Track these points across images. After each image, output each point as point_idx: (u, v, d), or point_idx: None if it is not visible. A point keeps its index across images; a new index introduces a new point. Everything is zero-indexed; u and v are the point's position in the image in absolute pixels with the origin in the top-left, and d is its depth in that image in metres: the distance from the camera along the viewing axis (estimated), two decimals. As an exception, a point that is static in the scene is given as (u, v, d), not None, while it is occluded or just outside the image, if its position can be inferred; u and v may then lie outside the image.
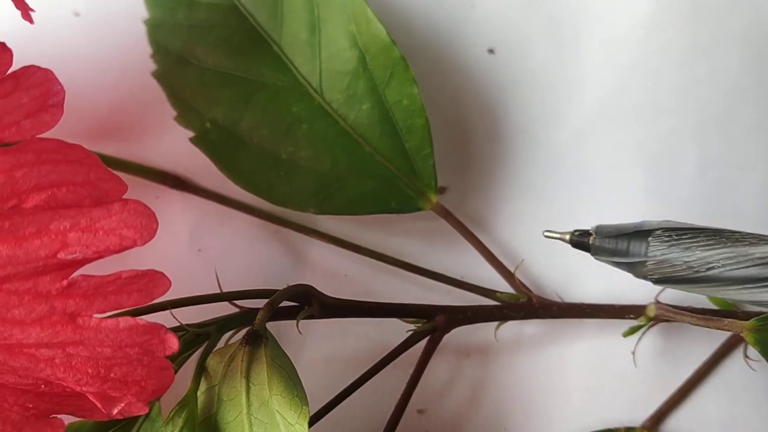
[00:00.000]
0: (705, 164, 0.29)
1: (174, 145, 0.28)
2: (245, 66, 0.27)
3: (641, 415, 0.28)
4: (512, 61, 0.29)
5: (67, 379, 0.19)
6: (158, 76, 0.28)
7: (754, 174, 0.29)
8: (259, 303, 0.24)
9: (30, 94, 0.19)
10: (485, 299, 0.27)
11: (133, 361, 0.20)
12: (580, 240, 0.23)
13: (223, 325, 0.24)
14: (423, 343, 0.26)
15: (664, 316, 0.26)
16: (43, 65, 0.20)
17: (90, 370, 0.19)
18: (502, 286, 0.28)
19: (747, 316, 0.24)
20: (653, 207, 0.29)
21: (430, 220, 0.28)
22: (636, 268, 0.22)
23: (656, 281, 0.22)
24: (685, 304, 0.26)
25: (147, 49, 0.28)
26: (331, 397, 0.25)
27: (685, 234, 0.21)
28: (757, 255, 0.21)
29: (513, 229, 0.29)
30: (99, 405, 0.20)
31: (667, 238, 0.21)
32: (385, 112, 0.27)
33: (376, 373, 0.25)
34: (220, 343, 0.24)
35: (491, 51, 0.30)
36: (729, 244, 0.21)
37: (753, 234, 0.22)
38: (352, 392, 0.25)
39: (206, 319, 0.24)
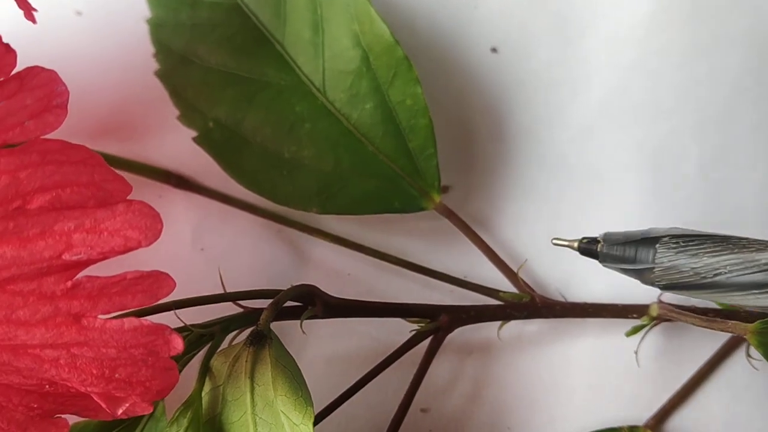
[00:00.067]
0: (705, 164, 0.29)
1: (177, 145, 0.28)
2: (248, 65, 0.27)
3: (644, 414, 0.28)
4: (515, 60, 0.29)
5: (71, 379, 0.19)
6: (161, 75, 0.28)
7: (754, 174, 0.29)
8: (263, 303, 0.24)
9: (34, 95, 0.19)
10: (488, 299, 0.27)
11: (138, 362, 0.20)
12: (588, 247, 0.23)
13: (227, 325, 0.24)
14: (426, 342, 0.26)
15: (667, 315, 0.26)
16: (45, 65, 0.20)
17: (94, 371, 0.19)
18: (505, 285, 0.28)
19: (750, 316, 0.24)
20: (654, 206, 0.29)
21: (434, 220, 0.28)
22: (644, 275, 0.22)
23: (663, 287, 0.22)
24: (688, 304, 0.26)
25: (149, 49, 0.28)
26: (335, 397, 0.25)
27: (693, 241, 0.22)
28: (763, 261, 0.21)
29: (516, 228, 0.29)
30: (103, 405, 0.20)
31: (674, 245, 0.22)
32: (388, 111, 0.27)
33: (379, 373, 0.25)
34: (224, 344, 0.24)
35: (494, 50, 0.30)
36: (735, 250, 0.21)
37: (760, 240, 0.22)
38: (356, 392, 0.25)
39: (210, 319, 0.24)
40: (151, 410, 0.20)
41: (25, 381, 0.20)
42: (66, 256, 0.19)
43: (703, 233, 0.22)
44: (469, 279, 0.28)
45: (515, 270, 0.27)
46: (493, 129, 0.29)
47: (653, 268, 0.22)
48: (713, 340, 0.28)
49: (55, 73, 0.19)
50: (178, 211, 0.29)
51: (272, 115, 0.27)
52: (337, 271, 0.29)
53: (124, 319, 0.19)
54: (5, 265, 0.19)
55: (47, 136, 0.19)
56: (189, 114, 0.27)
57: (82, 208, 0.19)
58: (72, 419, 0.21)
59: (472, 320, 0.27)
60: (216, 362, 0.23)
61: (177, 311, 0.23)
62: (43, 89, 0.19)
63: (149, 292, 0.19)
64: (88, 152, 0.19)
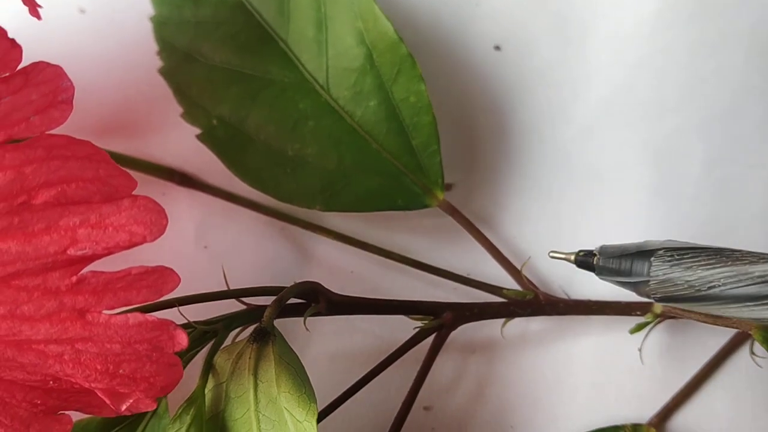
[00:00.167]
0: (711, 162, 0.29)
1: (180, 142, 0.28)
2: (252, 63, 0.27)
3: (648, 411, 0.28)
4: (519, 58, 0.29)
5: (75, 375, 0.19)
6: (165, 73, 0.28)
7: (760, 172, 0.29)
8: (266, 300, 0.24)
9: (39, 90, 0.19)
10: (492, 296, 0.27)
11: (142, 358, 0.20)
12: (585, 260, 0.23)
13: (230, 322, 0.24)
14: (429, 340, 0.26)
15: (671, 312, 0.26)
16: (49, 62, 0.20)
17: (99, 367, 0.19)
18: (509, 283, 0.28)
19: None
20: (659, 205, 0.29)
21: (437, 217, 0.28)
22: (639, 288, 0.23)
23: (659, 300, 0.22)
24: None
25: (153, 46, 0.28)
26: (338, 394, 0.25)
27: (687, 253, 0.22)
28: (756, 273, 0.21)
29: (519, 226, 0.29)
30: (107, 401, 0.20)
31: (669, 258, 0.22)
32: (392, 109, 0.27)
33: (382, 370, 0.25)
34: (228, 341, 0.24)
35: (498, 48, 0.30)
36: (729, 263, 0.22)
37: (753, 252, 0.22)
38: (359, 389, 0.25)
39: (213, 316, 0.24)
40: (155, 407, 0.20)
41: (29, 377, 0.19)
42: (71, 251, 0.19)
43: (697, 246, 0.22)
44: (472, 276, 0.28)
45: (519, 267, 0.27)
46: (497, 126, 0.29)
47: (649, 281, 0.22)
48: (717, 337, 0.28)
49: (61, 68, 0.19)
50: (182, 209, 0.29)
51: (276, 112, 0.27)
52: (340, 268, 0.29)
53: (129, 315, 0.19)
54: (10, 260, 0.19)
55: (52, 132, 0.19)
56: (193, 111, 0.27)
57: (87, 203, 0.19)
58: (75, 416, 0.21)
59: (476, 317, 0.27)
60: (219, 359, 0.23)
61: (180, 308, 0.23)
62: (49, 85, 0.19)
63: (154, 287, 0.19)
64: (93, 148, 0.19)
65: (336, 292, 0.25)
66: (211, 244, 0.29)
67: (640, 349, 0.27)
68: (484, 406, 0.28)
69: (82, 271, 0.19)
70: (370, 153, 0.27)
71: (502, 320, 0.27)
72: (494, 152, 0.29)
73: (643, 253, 0.22)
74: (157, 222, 0.19)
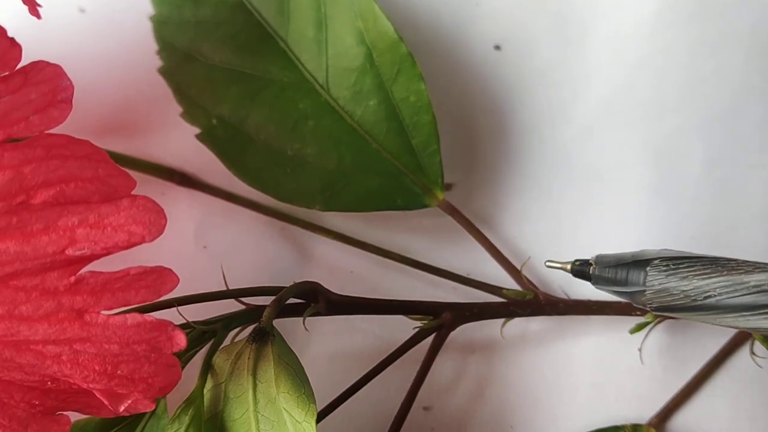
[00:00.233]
0: (711, 162, 0.29)
1: (180, 142, 0.28)
2: (252, 63, 0.27)
3: (648, 412, 0.28)
4: (519, 58, 0.29)
5: (73, 376, 0.19)
6: (164, 72, 0.28)
7: (760, 172, 0.29)
8: (266, 300, 0.24)
9: (39, 89, 0.19)
10: (492, 296, 0.27)
11: (141, 358, 0.20)
12: (581, 269, 0.23)
13: (229, 322, 0.24)
14: (429, 340, 0.26)
15: (671, 313, 0.26)
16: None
17: (97, 367, 0.19)
18: (509, 283, 0.28)
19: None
20: (659, 205, 0.29)
21: (437, 217, 0.28)
22: (635, 297, 0.23)
23: (655, 309, 0.23)
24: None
25: (153, 46, 0.28)
26: (338, 394, 0.25)
27: (682, 263, 0.22)
28: (752, 283, 0.21)
29: (519, 226, 0.29)
30: (106, 402, 0.20)
31: (664, 268, 0.22)
32: (391, 108, 0.27)
33: (382, 370, 0.25)
34: (227, 341, 0.24)
35: (498, 48, 0.30)
36: (725, 272, 0.22)
37: (748, 262, 0.22)
38: (358, 389, 0.25)
39: (212, 316, 0.24)
40: (153, 407, 0.20)
41: (27, 377, 0.19)
42: (69, 251, 0.19)
43: (693, 255, 0.22)
44: (472, 276, 0.28)
45: (519, 267, 0.27)
46: (497, 126, 0.29)
47: (645, 290, 0.22)
48: (717, 337, 0.28)
49: (60, 68, 0.19)
50: (181, 209, 0.29)
51: (276, 112, 0.27)
52: (340, 268, 0.29)
53: (127, 315, 0.19)
54: (8, 260, 0.18)
55: (52, 131, 0.19)
56: (192, 111, 0.27)
57: (86, 203, 0.19)
58: (74, 416, 0.21)
59: (475, 317, 0.27)
60: (218, 359, 0.23)
61: (179, 308, 0.23)
62: (48, 84, 0.19)
63: (152, 287, 0.19)
64: (92, 147, 0.19)
65: (335, 292, 0.25)
66: (211, 244, 0.29)
67: (640, 349, 0.27)
68: (483, 406, 0.28)
69: (81, 272, 0.19)
70: (370, 153, 0.27)
71: (502, 320, 0.27)
72: (494, 152, 0.29)
73: (639, 262, 0.22)
74: (156, 222, 0.19)
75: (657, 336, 0.28)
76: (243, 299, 0.24)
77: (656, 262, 0.22)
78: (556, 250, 0.29)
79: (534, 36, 0.29)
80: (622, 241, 0.28)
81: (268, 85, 0.27)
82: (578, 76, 0.29)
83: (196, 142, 0.27)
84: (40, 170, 0.18)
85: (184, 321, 0.23)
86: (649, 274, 0.22)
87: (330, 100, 0.27)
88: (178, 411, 0.23)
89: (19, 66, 0.19)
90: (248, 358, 0.22)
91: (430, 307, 0.27)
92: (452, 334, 0.27)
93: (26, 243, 0.18)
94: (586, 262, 0.23)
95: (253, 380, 0.22)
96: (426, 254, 0.28)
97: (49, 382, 0.20)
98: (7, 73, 0.19)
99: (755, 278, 0.21)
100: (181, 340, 0.20)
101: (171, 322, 0.20)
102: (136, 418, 0.24)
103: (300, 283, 0.25)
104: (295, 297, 0.25)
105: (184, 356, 0.23)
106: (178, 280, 0.19)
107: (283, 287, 0.24)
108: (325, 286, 0.25)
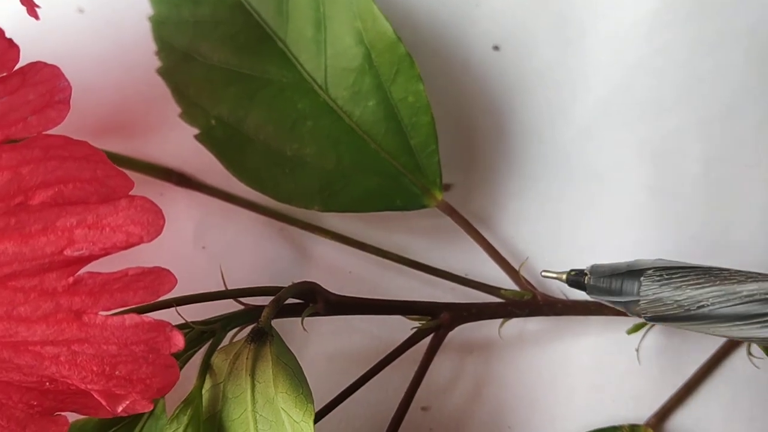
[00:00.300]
0: (709, 162, 0.29)
1: (179, 142, 0.28)
2: (250, 63, 0.27)
3: (645, 412, 0.28)
4: (517, 58, 0.29)
5: (71, 376, 0.19)
6: (163, 72, 0.28)
7: (758, 171, 0.29)
8: (264, 300, 0.24)
9: (36, 90, 0.19)
10: (490, 296, 0.27)
11: (139, 359, 0.20)
12: (576, 279, 0.24)
13: (227, 322, 0.24)
14: (427, 340, 0.26)
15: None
16: (47, 62, 0.20)
17: (95, 368, 0.19)
18: (507, 283, 0.28)
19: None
20: (657, 205, 0.29)
21: (435, 218, 0.28)
22: (630, 307, 0.23)
23: (650, 319, 0.23)
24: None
25: (152, 46, 0.28)
26: (336, 395, 0.25)
27: (676, 273, 0.22)
28: (744, 293, 0.22)
29: (518, 226, 0.29)
30: (104, 402, 0.20)
31: (658, 278, 0.22)
32: (390, 108, 0.27)
33: (380, 371, 0.25)
34: (225, 341, 0.24)
35: (496, 48, 0.30)
36: (717, 282, 0.22)
37: (741, 271, 0.22)
38: (357, 389, 0.25)
39: (211, 316, 0.24)
40: (152, 408, 0.20)
41: (25, 378, 0.19)
42: (68, 252, 0.19)
43: (687, 265, 0.23)
44: (470, 277, 0.28)
45: (517, 268, 0.27)
46: (496, 126, 0.29)
47: (638, 300, 0.22)
48: (714, 338, 0.28)
49: (58, 68, 0.19)
50: (180, 209, 0.29)
51: (274, 112, 0.27)
52: (338, 268, 0.29)
53: (125, 316, 0.19)
54: (7, 261, 0.18)
55: (50, 132, 0.19)
56: (191, 111, 0.27)
57: (85, 203, 0.19)
58: (72, 417, 0.21)
59: (474, 318, 0.27)
60: (217, 359, 0.23)
61: (178, 308, 0.23)
62: (46, 85, 0.19)
63: (151, 288, 0.19)
64: (90, 148, 0.19)
65: (334, 292, 0.25)
66: (209, 245, 0.29)
67: (637, 350, 0.27)
68: (481, 406, 0.28)
69: (79, 272, 0.19)
70: (369, 153, 0.27)
71: (500, 320, 0.27)
72: (493, 152, 0.29)
73: (633, 272, 0.23)
74: (154, 222, 0.19)
75: (654, 336, 0.28)
76: (241, 299, 0.25)
77: (650, 272, 0.22)
78: (555, 250, 0.29)
79: (533, 36, 0.29)
80: (621, 242, 0.28)
81: (266, 86, 0.27)
82: (577, 76, 0.29)
83: (195, 143, 0.27)
84: (38, 171, 0.18)
85: (183, 321, 0.23)
86: (643, 284, 0.22)
87: (329, 100, 0.27)
88: (177, 411, 0.23)
89: (17, 67, 0.19)
90: (247, 359, 0.22)
91: (428, 307, 0.27)
92: (450, 334, 0.27)
93: (24, 244, 0.18)
94: (581, 272, 0.24)
95: (252, 380, 0.22)
96: (424, 254, 0.28)
97: (48, 383, 0.20)
98: (5, 74, 0.19)
99: (748, 288, 0.22)
100: (179, 341, 0.20)
101: (169, 323, 0.20)
102: (135, 418, 0.24)
103: (298, 283, 0.25)
104: (293, 297, 0.25)
105: (183, 356, 0.23)
106: (176, 280, 0.19)
107: (282, 287, 0.24)
108: (324, 287, 0.25)
